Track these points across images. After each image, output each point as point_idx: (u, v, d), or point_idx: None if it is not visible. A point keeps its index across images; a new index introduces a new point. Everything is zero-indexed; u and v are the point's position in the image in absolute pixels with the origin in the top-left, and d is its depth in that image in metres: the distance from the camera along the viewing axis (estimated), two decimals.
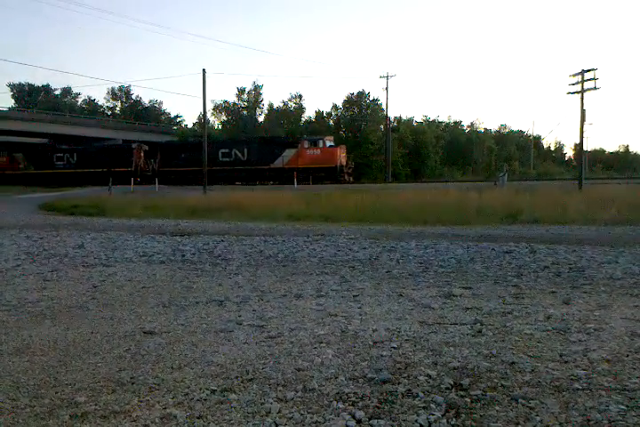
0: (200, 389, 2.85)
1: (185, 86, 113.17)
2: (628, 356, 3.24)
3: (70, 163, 43.65)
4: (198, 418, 2.52)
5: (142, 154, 42.48)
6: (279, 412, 2.56)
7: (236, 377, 3.01)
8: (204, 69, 29.79)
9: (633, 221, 11.11)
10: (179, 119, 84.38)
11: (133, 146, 42.87)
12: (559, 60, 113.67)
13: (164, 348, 3.59)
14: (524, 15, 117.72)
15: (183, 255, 8.05)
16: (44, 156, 44.53)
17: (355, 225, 12.97)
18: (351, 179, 38.22)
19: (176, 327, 4.10)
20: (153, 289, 5.61)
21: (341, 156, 37.30)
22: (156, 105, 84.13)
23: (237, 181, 37.63)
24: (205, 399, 2.72)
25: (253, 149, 38.41)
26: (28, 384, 2.97)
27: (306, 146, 37.29)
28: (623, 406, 2.55)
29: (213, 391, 2.81)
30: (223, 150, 39.05)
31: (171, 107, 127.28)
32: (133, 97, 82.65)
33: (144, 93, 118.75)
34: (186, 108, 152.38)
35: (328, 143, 37.87)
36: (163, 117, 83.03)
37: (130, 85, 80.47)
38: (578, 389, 2.77)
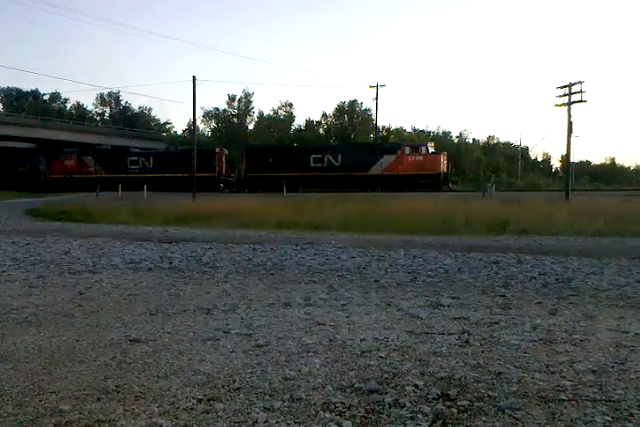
0: (186, 398, 2.83)
1: (175, 93, 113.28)
2: (613, 367, 3.26)
3: (146, 167, 41.49)
4: None
5: (224, 158, 40.74)
6: (266, 422, 2.55)
7: (223, 386, 3.00)
8: (194, 76, 29.89)
9: (619, 232, 11.23)
10: (168, 126, 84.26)
11: (217, 150, 40.90)
12: (547, 73, 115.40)
13: (151, 356, 3.56)
14: (514, 28, 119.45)
15: (171, 262, 8.01)
16: (117, 159, 42.36)
17: (343, 234, 12.98)
18: (453, 186, 37.02)
19: (163, 335, 4.07)
20: (140, 296, 5.57)
21: (444, 162, 36.26)
22: (146, 111, 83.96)
23: (330, 188, 35.27)
24: (191, 408, 2.70)
25: (348, 154, 37.31)
26: (12, 392, 2.93)
27: (407, 152, 36.12)
28: (608, 418, 2.57)
29: (200, 400, 2.79)
30: (315, 156, 37.90)
31: (160, 113, 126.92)
32: (123, 103, 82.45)
33: (133, 99, 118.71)
34: (176, 115, 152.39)
35: (430, 149, 36.70)
36: (152, 124, 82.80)
37: (119, 91, 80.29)
38: (564, 400, 2.78)
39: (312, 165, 37.60)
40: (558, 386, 2.95)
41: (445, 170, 36.33)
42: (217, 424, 2.52)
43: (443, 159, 36.27)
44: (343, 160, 37.26)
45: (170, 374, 3.20)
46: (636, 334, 4.00)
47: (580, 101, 23.49)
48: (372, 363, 3.38)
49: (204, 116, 68.92)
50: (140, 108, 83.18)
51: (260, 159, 38.85)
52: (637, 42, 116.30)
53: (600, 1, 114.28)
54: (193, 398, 2.82)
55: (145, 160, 41.92)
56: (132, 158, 42.39)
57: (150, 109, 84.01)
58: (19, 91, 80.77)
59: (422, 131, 68.27)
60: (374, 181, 36.02)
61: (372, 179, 36.14)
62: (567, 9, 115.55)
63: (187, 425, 2.52)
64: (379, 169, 36.31)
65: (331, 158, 37.59)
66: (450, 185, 36.38)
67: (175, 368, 3.31)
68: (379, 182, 35.70)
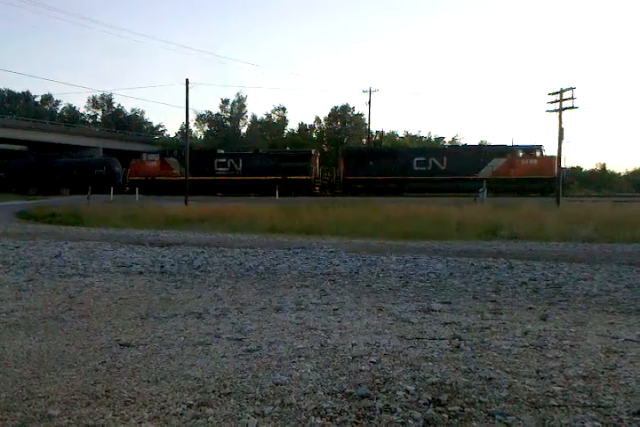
0: (176, 403, 2.82)
1: (168, 96, 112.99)
2: (603, 373, 3.28)
3: (235, 170, 39.34)
4: None
5: (317, 161, 39.14)
6: None
7: (214, 391, 2.98)
8: (187, 79, 29.75)
9: (609, 238, 11.31)
10: (160, 129, 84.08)
11: (312, 152, 39.28)
12: (539, 78, 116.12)
13: (141, 361, 3.54)
14: (507, 33, 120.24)
15: (162, 266, 7.97)
16: (203, 161, 39.72)
17: (335, 238, 12.98)
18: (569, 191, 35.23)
19: (153, 340, 4.05)
20: (130, 300, 5.54)
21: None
22: (138, 114, 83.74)
23: (434, 192, 33.35)
24: (182, 414, 2.69)
25: (455, 157, 35.63)
26: (1, 397, 2.90)
27: (520, 155, 34.82)
28: (598, 423, 2.58)
29: (190, 406, 2.78)
30: (419, 159, 36.34)
31: (153, 116, 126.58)
32: (115, 106, 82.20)
33: (126, 102, 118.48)
34: (168, 118, 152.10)
35: (544, 152, 35.09)
36: (145, 127, 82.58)
37: (111, 94, 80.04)
38: (554, 405, 2.79)
39: (415, 168, 36.16)
40: (548, 392, 2.96)
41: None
42: None
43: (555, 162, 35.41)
44: (449, 163, 35.53)
45: (160, 379, 3.18)
46: (626, 339, 4.02)
47: (572, 108, 23.68)
48: (363, 368, 3.38)
49: (197, 119, 68.86)
50: (132, 110, 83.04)
51: (359, 162, 37.15)
52: (630, 47, 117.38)
53: (593, 8, 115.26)
54: (183, 404, 2.80)
55: (234, 162, 39.60)
56: (220, 160, 39.98)
57: (143, 112, 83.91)
58: (10, 92, 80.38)
59: (415, 136, 68.37)
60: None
61: (479, 183, 33.77)
62: (559, 15, 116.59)
63: None
64: (488, 172, 34.83)
65: (435, 161, 35.94)
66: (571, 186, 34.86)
67: (165, 373, 3.29)
68: (488, 187, 33.58)
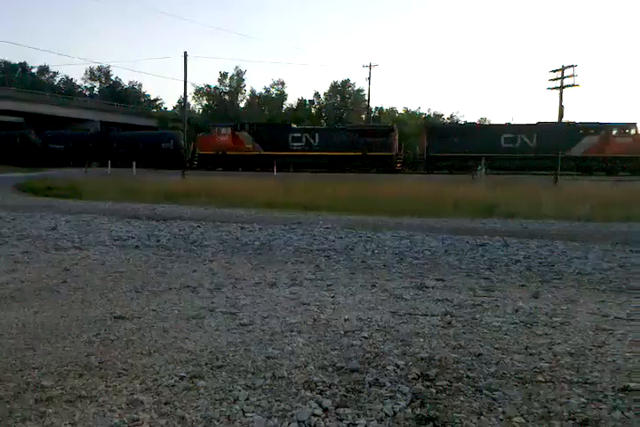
0: (169, 375, 2.86)
1: (166, 69, 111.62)
2: (591, 350, 3.32)
3: (311, 145, 37.92)
4: (165, 404, 2.52)
5: (397, 136, 37.88)
6: (247, 399, 2.58)
7: (206, 364, 3.02)
8: (185, 52, 29.58)
9: (605, 217, 11.32)
10: (158, 102, 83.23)
11: (394, 127, 38.24)
12: (539, 55, 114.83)
13: (135, 333, 3.58)
14: (507, 9, 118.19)
15: (158, 240, 7.99)
16: (277, 135, 38.44)
17: (332, 215, 12.98)
18: None
19: (147, 313, 4.08)
20: (126, 274, 5.56)
21: None
22: (136, 87, 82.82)
23: (523, 170, 32.21)
24: (173, 386, 2.72)
25: (544, 134, 33.99)
26: None
27: (614, 133, 33.56)
28: (584, 399, 2.62)
29: (182, 378, 2.82)
30: (506, 135, 35.16)
31: (150, 89, 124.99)
32: (113, 78, 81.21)
33: (123, 75, 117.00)
34: (166, 92, 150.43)
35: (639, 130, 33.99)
36: (142, 100, 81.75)
37: (109, 66, 79.03)
38: (541, 381, 2.83)
39: (503, 145, 35.18)
40: (536, 368, 3.00)
41: None
42: (198, 402, 2.55)
43: None
44: (538, 140, 34.17)
45: (153, 352, 3.22)
46: (616, 317, 4.06)
47: (573, 85, 23.48)
48: (354, 343, 3.42)
49: (195, 93, 68.17)
50: (130, 83, 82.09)
51: (443, 138, 35.76)
52: (630, 27, 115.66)
53: None
54: (175, 376, 2.84)
55: (309, 137, 38.15)
56: (295, 135, 38.47)
57: (140, 85, 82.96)
58: (6, 63, 79.25)
59: (414, 112, 67.86)
60: (574, 163, 33.58)
61: (571, 161, 33.27)
62: None
63: (168, 402, 2.54)
64: (580, 151, 34.01)
65: (525, 138, 34.65)
66: None
67: (159, 346, 3.33)
68: (579, 165, 33.39)
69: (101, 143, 42.92)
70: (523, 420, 2.41)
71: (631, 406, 2.53)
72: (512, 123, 37.72)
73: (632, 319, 4.01)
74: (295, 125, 41.91)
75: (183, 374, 2.86)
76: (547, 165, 32.00)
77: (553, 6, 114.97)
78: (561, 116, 24.12)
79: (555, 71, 23.78)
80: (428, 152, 36.29)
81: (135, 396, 2.60)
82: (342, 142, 36.99)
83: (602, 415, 2.45)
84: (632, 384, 2.76)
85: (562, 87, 23.58)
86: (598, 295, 4.84)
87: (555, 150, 31.24)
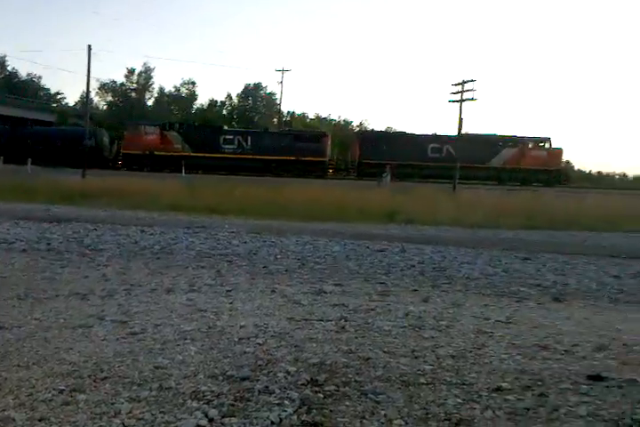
0: (46, 389, 2.70)
1: (70, 63, 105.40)
2: (470, 352, 3.53)
3: (244, 147, 37.33)
4: (39, 420, 2.38)
5: (329, 142, 37.80)
6: (129, 412, 2.49)
7: (89, 376, 2.89)
8: (89, 46, 28.10)
9: (495, 224, 12.10)
10: (59, 96, 78.54)
11: (326, 133, 38.34)
12: (445, 69, 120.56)
13: (13, 344, 3.36)
14: (420, 20, 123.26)
15: (49, 244, 7.55)
16: (208, 137, 37.69)
17: (240, 219, 12.88)
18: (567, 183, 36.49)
19: (29, 322, 3.85)
20: (9, 280, 5.21)
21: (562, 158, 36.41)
22: (35, 79, 77.64)
23: (448, 178, 32.17)
24: (50, 400, 2.58)
25: (466, 145, 34.25)
26: None
27: (530, 146, 35.55)
28: (460, 400, 2.78)
29: (61, 391, 2.68)
30: (433, 145, 36.34)
31: (50, 83, 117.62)
32: (9, 69, 75.60)
33: (21, 66, 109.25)
34: (69, 86, 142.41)
35: (552, 144, 36.22)
36: (41, 93, 76.78)
37: (5, 56, 73.53)
38: (423, 383, 2.97)
39: (430, 155, 36.48)
40: (419, 370, 3.15)
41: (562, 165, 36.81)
42: (76, 416, 2.44)
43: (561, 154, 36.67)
44: (462, 151, 35.02)
45: (32, 364, 3.04)
46: (496, 320, 4.35)
47: (472, 99, 24.91)
48: (247, 350, 3.41)
49: (99, 88, 64.99)
50: (28, 75, 76.82)
51: (374, 146, 36.84)
52: (530, 38, 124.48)
53: None
54: (54, 389, 2.69)
55: (242, 140, 37.75)
56: (227, 137, 38.07)
57: (40, 78, 77.88)
58: None
59: (324, 118, 68.93)
60: (494, 173, 35.92)
61: (491, 171, 35.76)
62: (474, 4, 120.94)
63: (43, 418, 2.41)
64: (499, 162, 36.06)
65: (450, 148, 35.77)
66: (569, 180, 36.57)
67: (39, 357, 3.15)
68: (498, 175, 35.38)
69: (13, 140, 39.48)
70: (402, 422, 2.52)
71: (502, 406, 2.72)
72: (437, 134, 40.34)
73: (510, 322, 4.31)
74: (227, 127, 41.61)
75: (62, 388, 2.72)
76: (471, 175, 34.57)
77: (465, 20, 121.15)
78: (460, 127, 25.54)
79: (456, 85, 25.12)
80: (360, 159, 37.47)
81: (7, 413, 2.44)
82: (276, 146, 37.10)
83: (475, 415, 2.61)
84: (504, 384, 2.97)
85: (462, 100, 24.95)
86: (483, 299, 5.16)
87: (477, 161, 34.17)
